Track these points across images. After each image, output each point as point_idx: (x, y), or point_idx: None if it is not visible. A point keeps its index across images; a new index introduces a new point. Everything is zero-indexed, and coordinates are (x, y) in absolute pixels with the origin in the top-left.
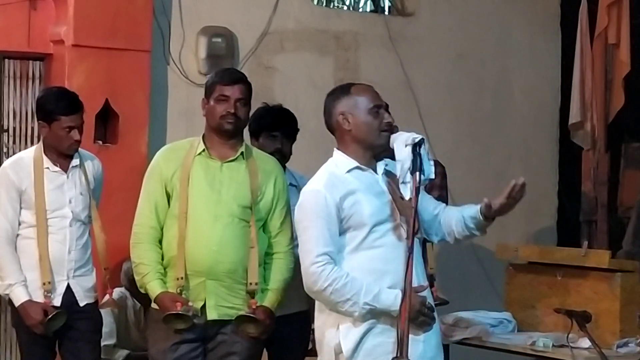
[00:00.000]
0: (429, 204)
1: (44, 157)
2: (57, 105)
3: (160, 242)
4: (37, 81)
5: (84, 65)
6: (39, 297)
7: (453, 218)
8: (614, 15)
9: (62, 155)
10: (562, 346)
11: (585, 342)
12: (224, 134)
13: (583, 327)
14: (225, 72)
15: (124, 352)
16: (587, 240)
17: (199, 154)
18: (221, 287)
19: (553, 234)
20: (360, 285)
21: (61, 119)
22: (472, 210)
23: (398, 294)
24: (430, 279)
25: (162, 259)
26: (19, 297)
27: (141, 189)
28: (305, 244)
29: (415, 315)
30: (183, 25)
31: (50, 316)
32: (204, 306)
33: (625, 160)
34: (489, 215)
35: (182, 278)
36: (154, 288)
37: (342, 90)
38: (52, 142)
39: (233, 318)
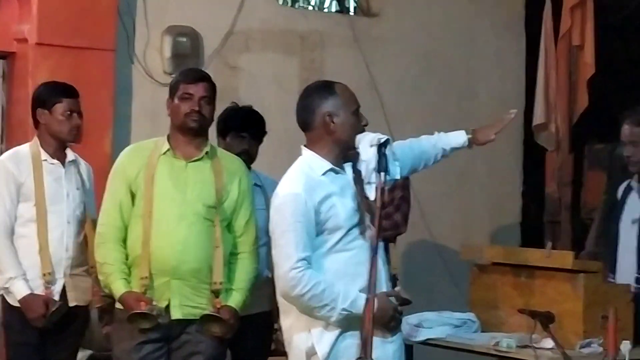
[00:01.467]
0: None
1: (41, 150)
2: (56, 90)
3: (124, 241)
4: None
5: (48, 64)
6: (39, 292)
7: (425, 152)
8: (578, 17)
9: (58, 149)
10: (525, 347)
11: (549, 343)
12: (189, 132)
13: (546, 327)
14: (189, 71)
15: (87, 352)
16: (550, 241)
17: (164, 153)
18: (186, 287)
19: (517, 234)
20: (338, 291)
21: (63, 101)
22: (457, 141)
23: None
24: (393, 279)
25: (127, 259)
26: (20, 290)
27: (105, 189)
28: (284, 248)
29: (388, 320)
30: (148, 24)
31: (54, 309)
32: (168, 306)
33: (589, 161)
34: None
35: (146, 277)
36: (118, 287)
37: (327, 89)
38: (52, 128)
39: (198, 317)
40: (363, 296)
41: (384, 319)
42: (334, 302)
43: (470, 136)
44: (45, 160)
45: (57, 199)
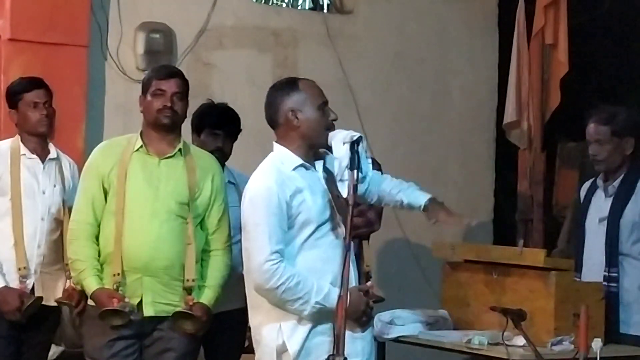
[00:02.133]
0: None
1: (21, 145)
2: (19, 86)
3: (97, 238)
4: None
5: (21, 60)
6: (14, 286)
7: (388, 195)
8: (551, 16)
9: (39, 145)
10: (497, 344)
11: (521, 340)
12: (161, 128)
13: (518, 325)
14: (161, 68)
15: (58, 349)
16: (522, 238)
17: (137, 150)
18: (158, 284)
19: (489, 232)
20: (312, 285)
21: (24, 96)
22: (414, 202)
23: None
24: (367, 276)
25: (99, 255)
26: None
27: (78, 186)
28: (256, 241)
29: (360, 315)
30: (121, 20)
31: (29, 303)
32: (140, 302)
33: (561, 159)
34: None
35: (118, 274)
36: (90, 284)
37: (290, 86)
38: (23, 124)
39: (170, 314)
40: (335, 290)
41: (356, 313)
42: (307, 296)
43: (427, 203)
44: (24, 154)
45: (32, 194)
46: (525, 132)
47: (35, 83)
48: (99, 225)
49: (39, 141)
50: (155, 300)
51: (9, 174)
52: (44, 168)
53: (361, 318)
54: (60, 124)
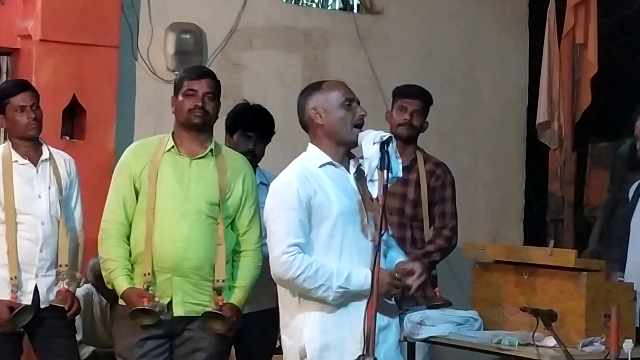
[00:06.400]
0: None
1: (12, 151)
2: (4, 89)
3: (128, 238)
4: (4, 76)
5: (52, 61)
6: (6, 295)
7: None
8: (582, 16)
9: (31, 149)
10: (527, 345)
11: (551, 341)
12: (193, 128)
13: (549, 325)
14: (193, 68)
15: (89, 349)
16: (553, 239)
17: (168, 150)
18: (188, 284)
19: (520, 232)
20: (332, 270)
21: (11, 100)
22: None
23: (367, 273)
24: (433, 279)
25: (130, 255)
26: None
27: (110, 185)
28: (275, 234)
29: (388, 289)
30: (151, 21)
31: (15, 311)
32: (170, 302)
33: (592, 160)
34: None
35: (149, 274)
36: (120, 284)
37: (314, 87)
38: (12, 129)
39: (200, 314)
40: (357, 271)
41: (383, 291)
42: (328, 282)
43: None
44: (16, 161)
45: (29, 200)
46: (556, 132)
47: (21, 86)
48: (130, 225)
49: (31, 145)
50: (185, 300)
51: (1, 183)
52: (37, 171)
53: (390, 292)
54: (91, 124)
